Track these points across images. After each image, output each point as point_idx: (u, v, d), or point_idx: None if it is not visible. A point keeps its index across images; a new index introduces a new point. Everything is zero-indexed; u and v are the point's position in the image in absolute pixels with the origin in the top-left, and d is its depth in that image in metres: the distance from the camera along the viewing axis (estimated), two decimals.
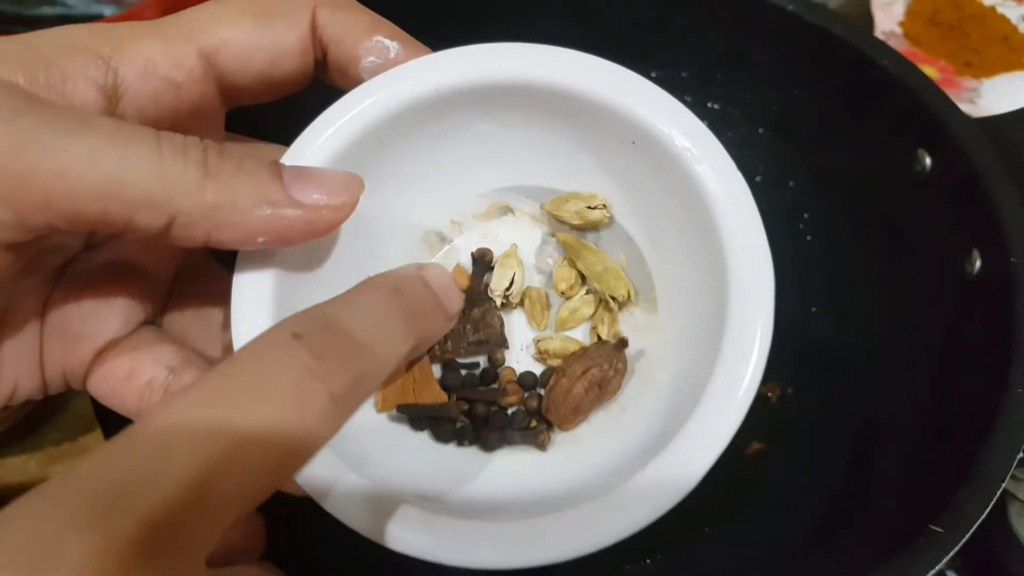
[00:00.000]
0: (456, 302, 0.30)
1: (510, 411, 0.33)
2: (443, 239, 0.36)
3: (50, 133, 0.23)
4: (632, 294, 0.34)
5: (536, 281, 0.36)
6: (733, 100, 0.55)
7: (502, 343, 0.34)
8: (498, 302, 0.34)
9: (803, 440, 0.48)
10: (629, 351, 0.33)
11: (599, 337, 0.34)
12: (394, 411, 0.32)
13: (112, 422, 0.36)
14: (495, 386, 0.34)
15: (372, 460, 0.29)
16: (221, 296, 0.30)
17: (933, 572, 0.33)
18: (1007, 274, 0.40)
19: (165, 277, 0.32)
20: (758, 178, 0.55)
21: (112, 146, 0.23)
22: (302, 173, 0.27)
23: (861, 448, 0.45)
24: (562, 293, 0.35)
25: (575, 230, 0.36)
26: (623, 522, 0.27)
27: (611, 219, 0.35)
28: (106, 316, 0.30)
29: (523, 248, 0.36)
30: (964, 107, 0.62)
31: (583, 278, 0.35)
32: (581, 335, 0.35)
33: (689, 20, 0.52)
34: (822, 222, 0.53)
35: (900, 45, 0.67)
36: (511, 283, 0.34)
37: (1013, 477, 0.47)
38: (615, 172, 0.34)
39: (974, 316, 0.42)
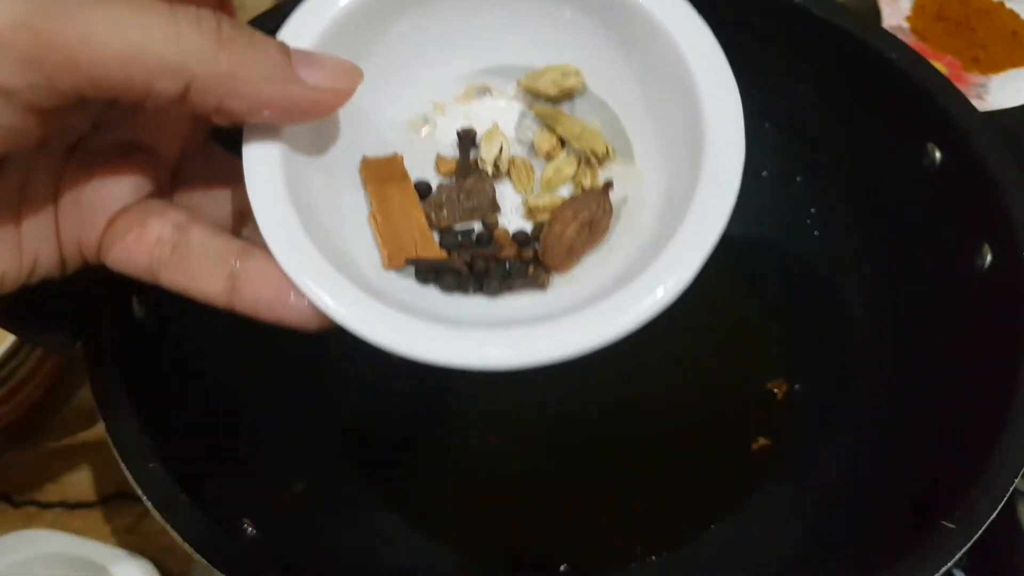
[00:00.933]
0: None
1: (508, 263, 0.35)
2: (427, 121, 0.38)
3: (75, 3, 0.24)
4: (610, 150, 0.36)
5: (519, 152, 0.38)
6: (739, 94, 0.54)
7: (494, 207, 0.36)
8: (489, 170, 0.36)
9: (810, 437, 0.47)
10: (613, 198, 0.35)
11: (583, 190, 0.36)
12: (399, 270, 0.34)
13: (112, 416, 0.36)
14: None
15: (389, 295, 0.31)
16: (225, 175, 0.32)
17: (944, 570, 0.33)
18: (1018, 268, 0.40)
19: (171, 155, 0.33)
20: (764, 173, 0.55)
21: (133, 15, 0.25)
22: (309, 56, 0.29)
23: (869, 445, 0.44)
24: (546, 155, 0.37)
25: (551, 101, 0.37)
26: (621, 320, 0.29)
27: (585, 87, 0.37)
28: (115, 187, 0.31)
29: (503, 125, 0.37)
30: (972, 103, 0.62)
31: (563, 142, 0.37)
32: (566, 193, 0.36)
33: None
34: (829, 217, 0.52)
35: (906, 40, 0.66)
36: (499, 151, 0.36)
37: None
38: (586, 42, 0.36)
39: (985, 311, 0.42)
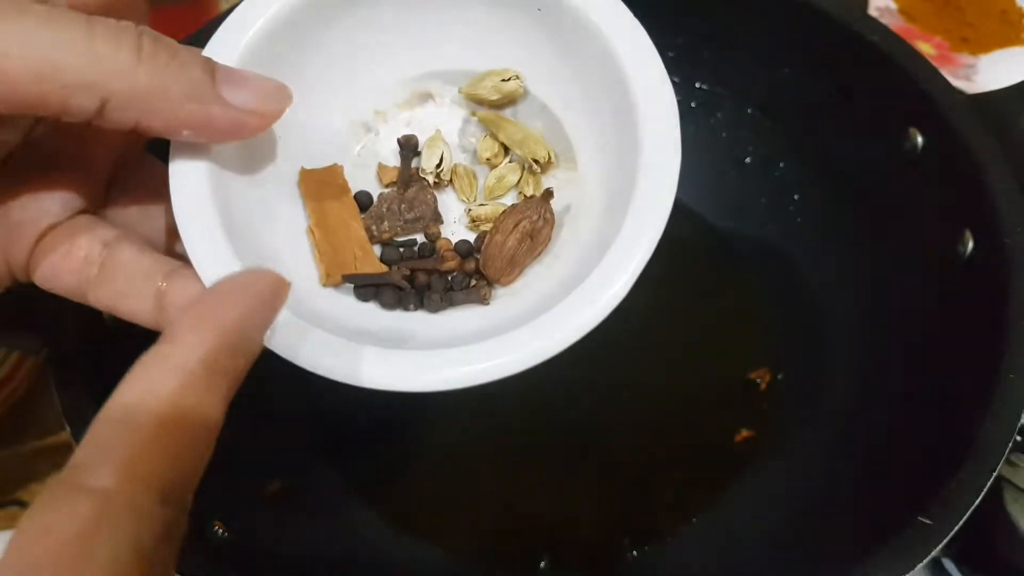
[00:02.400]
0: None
1: (450, 277, 0.34)
2: (368, 129, 0.37)
3: None
4: (552, 155, 0.35)
5: (462, 160, 0.37)
6: (721, 80, 0.54)
7: (436, 218, 0.35)
8: (430, 180, 0.36)
9: (792, 428, 0.47)
10: (556, 206, 0.34)
11: (525, 198, 0.35)
12: (337, 287, 0.33)
13: (78, 423, 0.36)
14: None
15: (329, 322, 0.30)
16: (160, 189, 0.31)
17: (923, 563, 0.32)
18: (1000, 255, 0.39)
19: (104, 170, 0.32)
20: (748, 159, 0.54)
21: (46, 29, 0.24)
22: (234, 75, 0.28)
23: (851, 436, 0.44)
24: (487, 161, 0.36)
25: (493, 107, 0.37)
26: (560, 334, 0.28)
27: (525, 91, 0.36)
28: (45, 203, 0.30)
29: (446, 131, 0.37)
30: (960, 84, 0.61)
31: (506, 150, 0.37)
32: (510, 201, 0.36)
33: None
34: (812, 203, 0.52)
35: (895, 21, 0.66)
36: (440, 161, 0.36)
37: (1010, 463, 0.46)
38: (525, 45, 0.35)
39: (966, 299, 0.41)
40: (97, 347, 0.38)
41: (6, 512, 0.53)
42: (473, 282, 0.34)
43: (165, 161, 0.31)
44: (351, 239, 0.34)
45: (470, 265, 0.34)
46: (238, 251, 0.29)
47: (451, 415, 0.49)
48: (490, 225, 0.34)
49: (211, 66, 0.27)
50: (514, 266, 0.33)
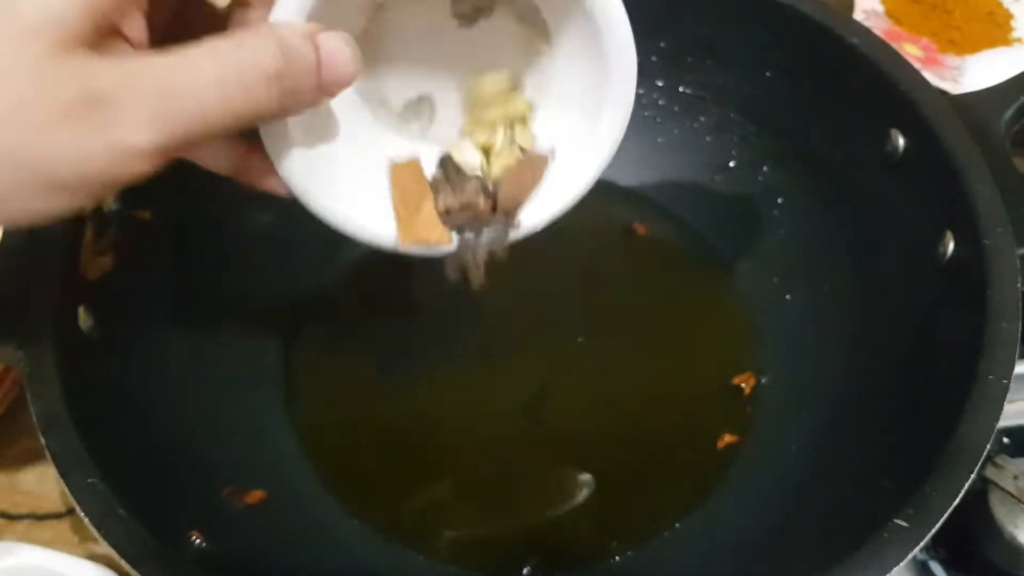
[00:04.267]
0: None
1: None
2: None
3: None
4: (528, 105, 0.38)
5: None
6: (704, 85, 0.54)
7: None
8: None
9: (775, 432, 0.47)
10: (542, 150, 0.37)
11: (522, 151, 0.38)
12: None
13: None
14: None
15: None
16: None
17: (902, 565, 0.32)
18: (979, 257, 0.39)
19: None
20: (731, 163, 0.54)
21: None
22: (327, 60, 0.29)
23: (833, 439, 0.44)
24: (482, 148, 0.38)
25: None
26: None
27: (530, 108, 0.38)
28: None
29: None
30: (947, 86, 0.61)
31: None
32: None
33: (657, 2, 0.51)
34: (796, 207, 0.52)
35: (881, 24, 0.66)
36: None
37: (995, 465, 0.45)
38: None
39: (947, 300, 0.41)
40: (74, 353, 0.38)
41: None
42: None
43: None
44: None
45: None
46: None
47: (436, 422, 0.49)
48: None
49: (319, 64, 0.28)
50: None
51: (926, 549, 0.47)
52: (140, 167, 0.26)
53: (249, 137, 0.33)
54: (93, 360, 0.39)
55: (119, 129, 0.25)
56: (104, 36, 0.26)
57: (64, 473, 0.34)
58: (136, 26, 0.29)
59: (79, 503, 0.34)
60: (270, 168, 0.33)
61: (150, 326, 0.44)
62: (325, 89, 0.29)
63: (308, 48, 0.28)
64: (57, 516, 0.53)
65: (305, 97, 0.29)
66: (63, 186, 0.26)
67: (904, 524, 0.32)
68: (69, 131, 0.25)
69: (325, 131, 0.35)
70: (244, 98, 0.26)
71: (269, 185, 0.35)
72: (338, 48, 0.29)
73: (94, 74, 0.25)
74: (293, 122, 0.32)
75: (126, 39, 0.28)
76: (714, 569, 0.42)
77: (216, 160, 0.34)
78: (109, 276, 0.41)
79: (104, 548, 0.50)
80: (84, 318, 0.40)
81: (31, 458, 0.55)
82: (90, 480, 0.34)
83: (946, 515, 0.32)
